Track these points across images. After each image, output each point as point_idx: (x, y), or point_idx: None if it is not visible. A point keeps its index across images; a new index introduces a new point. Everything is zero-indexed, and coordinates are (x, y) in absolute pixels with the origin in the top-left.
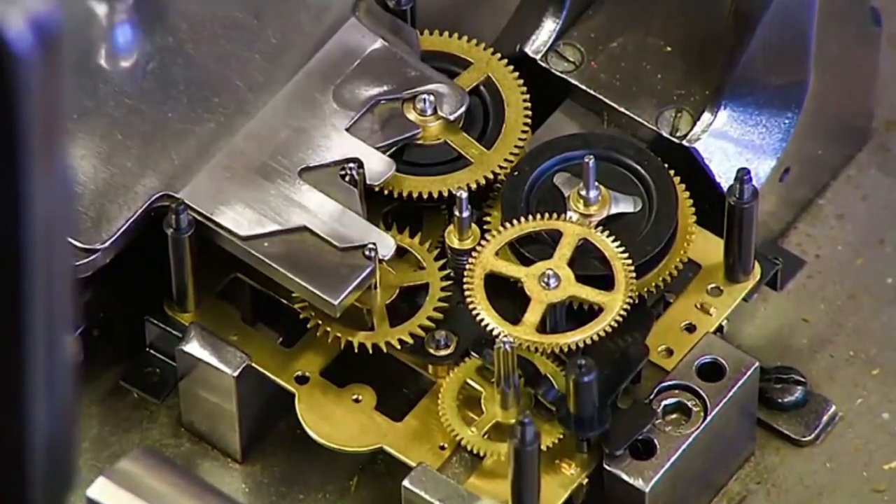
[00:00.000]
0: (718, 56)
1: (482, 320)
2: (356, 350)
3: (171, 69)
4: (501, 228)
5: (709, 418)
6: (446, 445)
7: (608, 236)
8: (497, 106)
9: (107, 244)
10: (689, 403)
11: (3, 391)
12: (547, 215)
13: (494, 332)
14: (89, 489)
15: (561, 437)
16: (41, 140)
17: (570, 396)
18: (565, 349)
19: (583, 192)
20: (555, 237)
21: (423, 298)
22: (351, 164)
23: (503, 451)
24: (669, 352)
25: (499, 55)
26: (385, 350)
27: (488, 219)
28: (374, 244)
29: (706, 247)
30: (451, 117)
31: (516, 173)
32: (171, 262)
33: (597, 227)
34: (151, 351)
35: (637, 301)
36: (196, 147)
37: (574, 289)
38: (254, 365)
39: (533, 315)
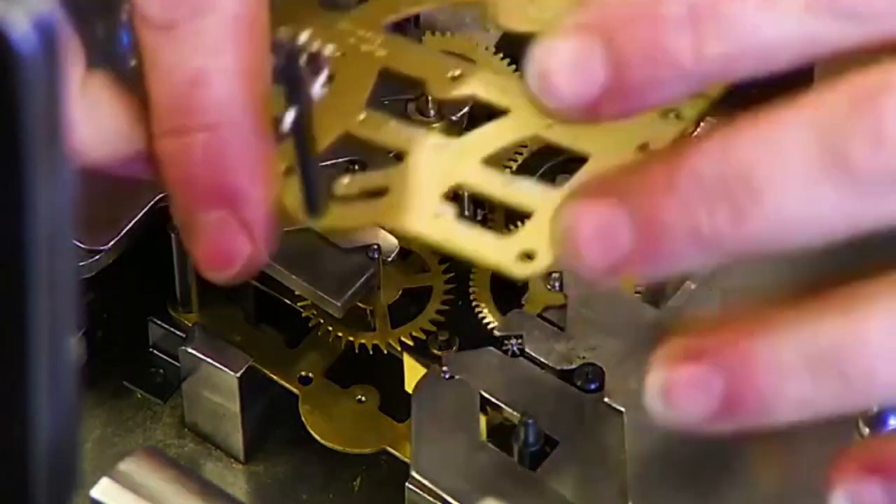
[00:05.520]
0: None
1: (484, 318)
2: (356, 350)
3: None
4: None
5: None
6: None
7: None
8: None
9: (110, 245)
10: None
11: (6, 392)
12: None
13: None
14: (93, 489)
15: None
16: (44, 140)
17: None
18: None
19: None
20: None
21: (426, 300)
22: (355, 165)
23: None
24: None
25: (501, 55)
26: (386, 351)
27: (492, 218)
28: (377, 245)
29: None
30: (454, 118)
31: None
32: (175, 263)
33: None
34: (155, 351)
35: None
36: None
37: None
38: (257, 366)
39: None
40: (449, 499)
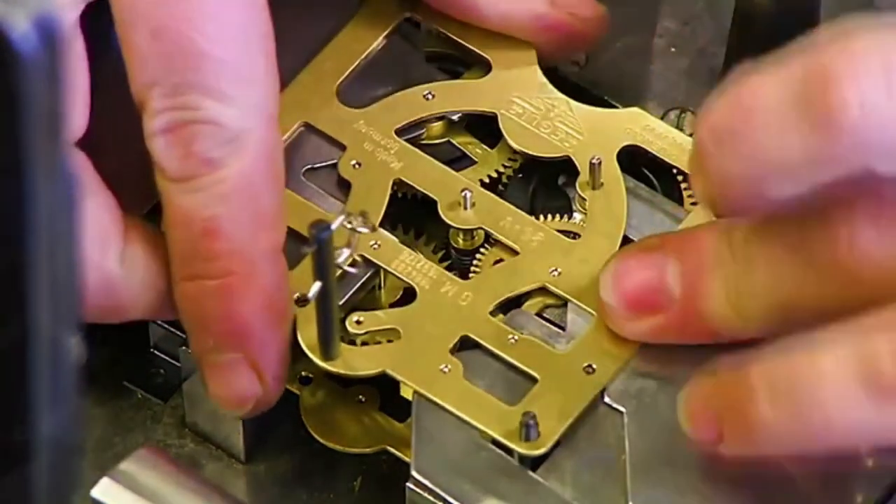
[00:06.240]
0: (722, 56)
1: None
2: None
3: None
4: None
5: None
6: None
7: None
8: None
9: None
10: None
11: (8, 392)
12: None
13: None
14: (94, 489)
15: None
16: (44, 140)
17: None
18: None
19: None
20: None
21: None
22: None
23: None
24: None
25: None
26: None
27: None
28: (378, 244)
29: None
30: (455, 118)
31: (520, 175)
32: None
33: None
34: (155, 352)
35: None
36: None
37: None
38: None
39: None
40: (449, 499)
